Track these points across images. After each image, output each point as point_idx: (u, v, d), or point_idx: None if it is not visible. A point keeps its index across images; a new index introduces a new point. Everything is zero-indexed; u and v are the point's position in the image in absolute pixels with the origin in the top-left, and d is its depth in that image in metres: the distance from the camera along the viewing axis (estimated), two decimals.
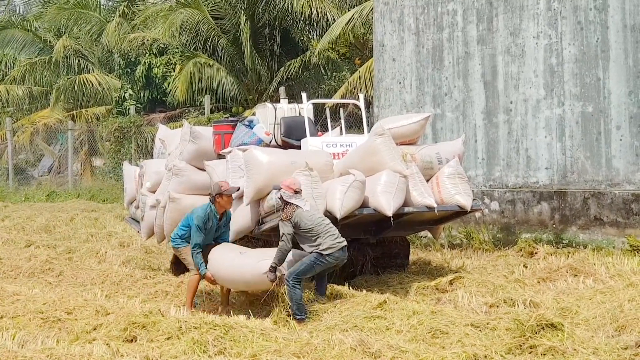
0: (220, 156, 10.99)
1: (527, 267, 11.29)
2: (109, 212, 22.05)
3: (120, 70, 28.88)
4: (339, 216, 9.51)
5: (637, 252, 11.68)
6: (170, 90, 26.58)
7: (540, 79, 13.09)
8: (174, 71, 26.82)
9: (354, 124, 13.34)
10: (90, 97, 29.82)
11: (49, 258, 12.36)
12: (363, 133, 11.16)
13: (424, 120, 10.53)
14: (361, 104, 10.83)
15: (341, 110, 11.15)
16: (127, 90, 28.19)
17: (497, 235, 13.41)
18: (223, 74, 26.30)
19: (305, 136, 10.84)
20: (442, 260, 12.18)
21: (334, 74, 25.74)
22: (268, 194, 9.87)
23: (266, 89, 26.85)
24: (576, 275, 10.43)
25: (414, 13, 14.47)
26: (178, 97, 25.73)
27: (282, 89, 22.77)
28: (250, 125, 10.94)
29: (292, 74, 26.03)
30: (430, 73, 14.28)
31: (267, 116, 11.13)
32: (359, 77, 21.59)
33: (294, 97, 26.69)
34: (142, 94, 28.13)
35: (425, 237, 13.47)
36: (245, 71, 26.81)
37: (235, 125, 11.07)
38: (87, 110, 29.93)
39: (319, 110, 14.76)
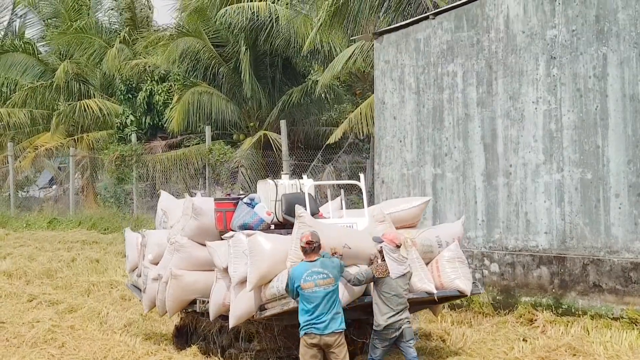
0: (222, 232, 11.07)
1: (526, 341, 11.38)
2: (110, 245, 22.28)
3: (122, 96, 28.97)
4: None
5: (636, 325, 11.77)
6: (167, 118, 26.70)
7: (540, 143, 13.15)
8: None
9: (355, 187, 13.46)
10: (91, 122, 29.95)
11: (52, 327, 12.47)
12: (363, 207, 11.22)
13: (423, 204, 10.62)
14: (362, 184, 10.90)
15: (342, 191, 11.21)
16: (128, 116, 28.29)
17: (497, 297, 13.50)
18: (223, 102, 26.38)
19: None
20: (442, 331, 12.24)
21: (335, 105, 25.77)
22: (270, 281, 9.94)
23: (267, 116, 26.91)
24: (575, 355, 10.52)
25: (414, 72, 14.52)
26: (174, 127, 25.86)
27: (282, 122, 22.79)
28: (252, 204, 11.00)
29: (293, 101, 26.09)
30: (430, 133, 14.35)
31: (269, 192, 11.18)
32: (360, 113, 21.65)
33: (294, 124, 26.81)
34: (143, 120, 28.24)
35: None
36: (245, 99, 26.86)
37: (237, 203, 11.13)
38: (88, 135, 30.05)
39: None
